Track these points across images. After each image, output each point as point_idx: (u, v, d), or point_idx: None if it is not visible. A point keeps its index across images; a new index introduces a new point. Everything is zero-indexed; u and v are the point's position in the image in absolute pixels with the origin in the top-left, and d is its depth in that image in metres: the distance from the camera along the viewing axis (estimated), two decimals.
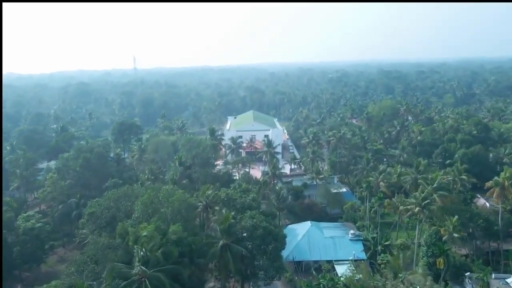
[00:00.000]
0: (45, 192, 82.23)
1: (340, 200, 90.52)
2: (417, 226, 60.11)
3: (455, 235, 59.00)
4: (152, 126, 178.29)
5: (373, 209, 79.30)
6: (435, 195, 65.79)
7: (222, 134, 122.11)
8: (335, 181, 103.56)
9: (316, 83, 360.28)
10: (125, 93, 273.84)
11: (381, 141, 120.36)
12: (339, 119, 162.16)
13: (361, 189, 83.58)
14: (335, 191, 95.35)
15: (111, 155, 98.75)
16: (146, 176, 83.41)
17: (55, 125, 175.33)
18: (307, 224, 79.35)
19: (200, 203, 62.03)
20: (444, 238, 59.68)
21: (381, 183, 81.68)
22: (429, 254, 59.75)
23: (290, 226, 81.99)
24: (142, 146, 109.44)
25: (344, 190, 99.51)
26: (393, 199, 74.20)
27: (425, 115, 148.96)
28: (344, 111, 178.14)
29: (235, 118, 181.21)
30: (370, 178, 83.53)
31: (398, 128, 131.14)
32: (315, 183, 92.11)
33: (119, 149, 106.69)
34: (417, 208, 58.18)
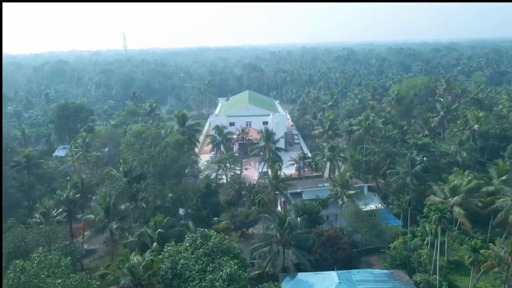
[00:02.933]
0: None
1: (380, 229, 57.73)
2: None
3: None
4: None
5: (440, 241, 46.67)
6: None
7: (197, 124, 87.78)
8: (365, 191, 70.85)
9: (321, 62, 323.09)
10: (104, 72, 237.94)
11: (426, 132, 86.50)
12: (356, 101, 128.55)
13: (426, 220, 50.19)
14: (367, 208, 62.64)
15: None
16: (64, 195, 50.37)
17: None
18: (332, 278, 46.81)
19: (121, 281, 28.92)
20: None
21: (456, 208, 48.41)
22: None
23: (301, 276, 49.15)
24: (87, 140, 76.01)
25: (381, 207, 66.80)
26: (492, 246, 40.98)
27: (470, 95, 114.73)
28: (361, 91, 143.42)
29: (227, 100, 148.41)
30: (435, 198, 50.35)
31: (441, 113, 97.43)
32: (340, 202, 58.88)
33: (39, 148, 72.67)
34: None
